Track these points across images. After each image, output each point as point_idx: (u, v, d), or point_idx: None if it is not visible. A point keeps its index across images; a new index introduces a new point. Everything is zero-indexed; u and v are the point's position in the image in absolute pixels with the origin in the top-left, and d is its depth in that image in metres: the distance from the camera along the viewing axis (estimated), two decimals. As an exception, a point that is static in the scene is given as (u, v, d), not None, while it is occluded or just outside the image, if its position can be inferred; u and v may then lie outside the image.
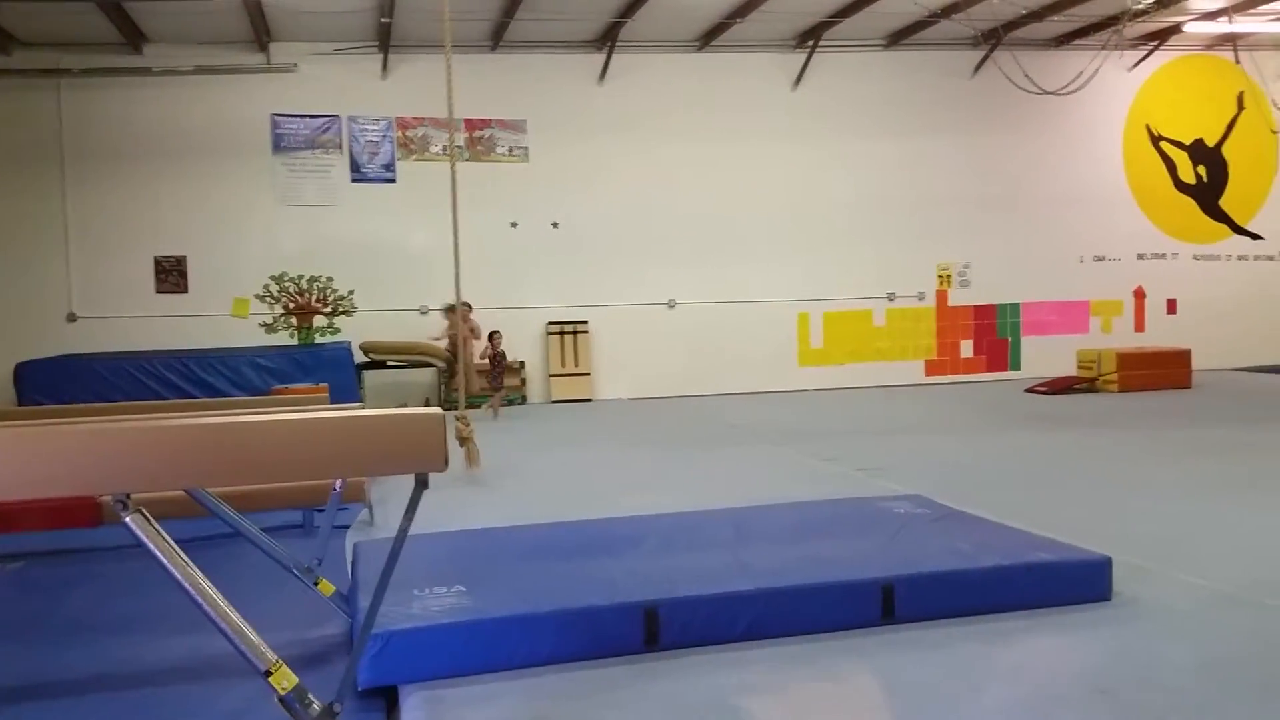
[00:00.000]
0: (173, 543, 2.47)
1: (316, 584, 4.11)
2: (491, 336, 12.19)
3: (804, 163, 14.51)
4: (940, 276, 15.22)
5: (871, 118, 14.73)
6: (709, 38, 13.90)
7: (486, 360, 12.21)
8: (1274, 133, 15.94)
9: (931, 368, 15.19)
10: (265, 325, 13.06)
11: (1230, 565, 4.74)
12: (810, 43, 14.19)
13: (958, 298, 15.27)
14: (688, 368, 14.11)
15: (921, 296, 15.15)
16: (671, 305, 14.30)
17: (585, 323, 13.98)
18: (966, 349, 15.35)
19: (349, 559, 4.90)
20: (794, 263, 14.51)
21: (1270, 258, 16.36)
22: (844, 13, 13.28)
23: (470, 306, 12.35)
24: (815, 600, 3.93)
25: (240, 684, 3.33)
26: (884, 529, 4.84)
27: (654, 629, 3.71)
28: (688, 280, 14.28)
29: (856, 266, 14.76)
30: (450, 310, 12.27)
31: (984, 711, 3.20)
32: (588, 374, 13.94)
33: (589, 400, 13.79)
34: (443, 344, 12.48)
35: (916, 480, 6.75)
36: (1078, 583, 4.21)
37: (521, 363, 13.79)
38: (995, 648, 3.73)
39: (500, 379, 12.35)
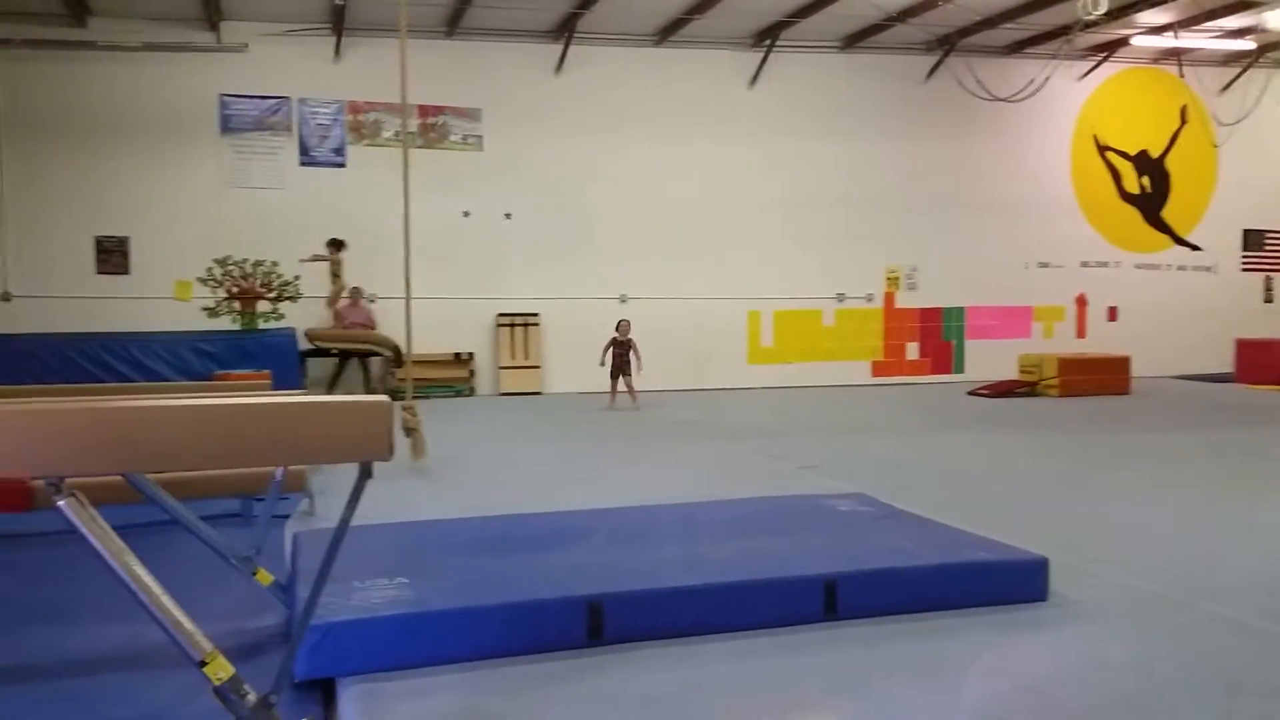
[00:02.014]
0: (108, 527, 2.41)
1: (255, 574, 4.04)
2: (619, 325, 11.98)
3: (759, 161, 14.58)
4: (889, 279, 15.39)
5: (826, 119, 14.84)
6: (667, 32, 13.90)
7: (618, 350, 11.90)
8: (1214, 147, 16.34)
9: (878, 368, 15.37)
10: (208, 309, 12.83)
11: (1163, 566, 4.85)
12: (768, 42, 14.26)
13: (905, 300, 15.46)
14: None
15: (870, 298, 15.32)
16: (623, 300, 14.30)
17: (536, 315, 13.93)
18: (912, 351, 15.56)
19: (288, 549, 4.83)
20: (746, 261, 14.59)
21: (1209, 269, 16.79)
22: (801, 13, 13.37)
23: (361, 292, 12.55)
24: (759, 595, 3.95)
25: (175, 674, 3.26)
26: (828, 526, 4.88)
27: (598, 623, 3.70)
28: (640, 275, 14.29)
29: (807, 266, 14.88)
30: (334, 247, 12.43)
31: (918, 708, 3.24)
32: (538, 367, 13.90)
33: (538, 393, 13.75)
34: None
35: (861, 479, 6.82)
36: (1015, 582, 4.28)
37: (470, 354, 13.70)
38: (932, 645, 3.78)
39: (627, 366, 11.91)
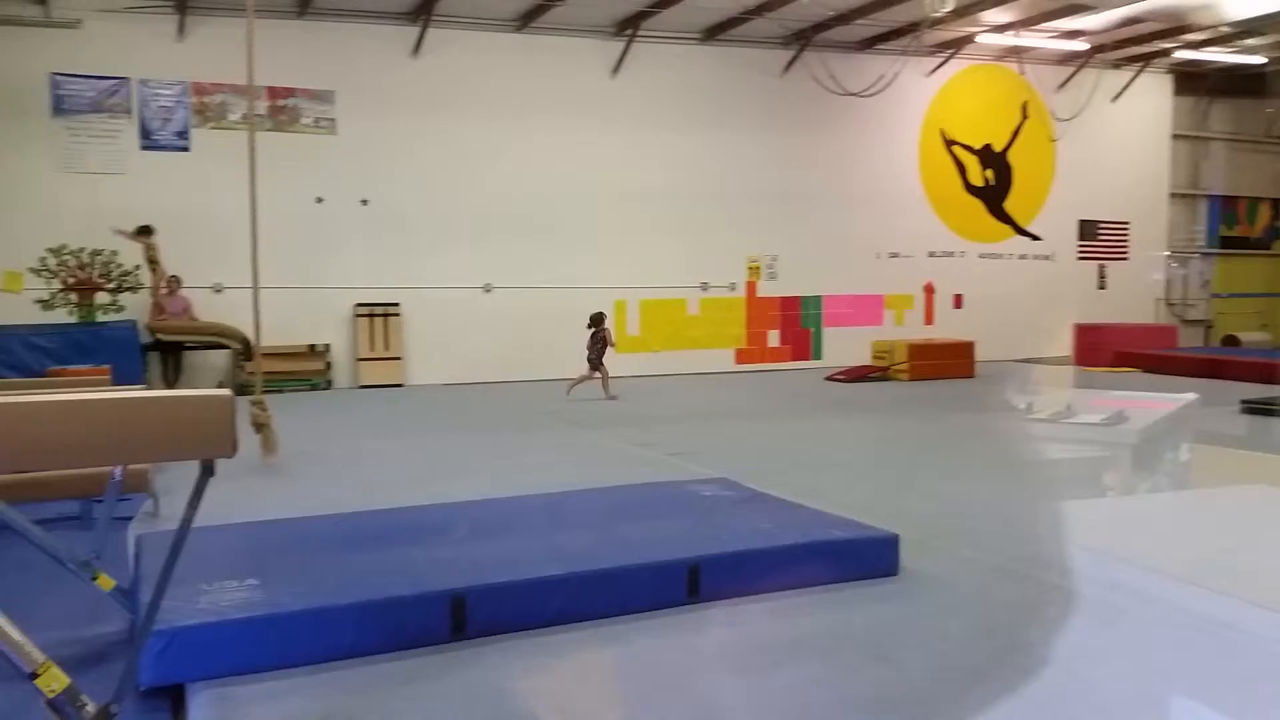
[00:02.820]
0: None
1: (95, 579, 3.83)
2: (599, 320, 11.77)
3: (622, 151, 14.62)
4: (750, 268, 15.69)
5: (687, 110, 14.99)
6: (529, 18, 13.77)
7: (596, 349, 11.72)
8: (1052, 141, 17.25)
9: (741, 356, 15.66)
10: (42, 302, 12.10)
11: (1004, 540, 5.11)
12: (629, 31, 14.30)
13: (766, 289, 15.78)
14: (504, 353, 13.98)
15: (733, 287, 15.58)
16: (488, 289, 14.13)
17: (397, 305, 13.62)
18: (774, 338, 15.91)
19: (131, 552, 4.60)
20: (611, 250, 14.61)
21: (1048, 257, 17.72)
22: (662, 4, 13.45)
23: (179, 281, 12.07)
24: (624, 582, 3.98)
25: (9, 687, 3.07)
26: (691, 511, 4.96)
27: (461, 617, 3.65)
28: (505, 264, 14.14)
29: (672, 256, 15.01)
30: (142, 234, 11.87)
31: (775, 682, 3.33)
32: (399, 358, 13.61)
33: (400, 385, 13.47)
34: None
35: (724, 464, 6.94)
36: (868, 559, 4.44)
37: (326, 345, 13.31)
38: (790, 621, 3.89)
39: (599, 361, 11.78)
